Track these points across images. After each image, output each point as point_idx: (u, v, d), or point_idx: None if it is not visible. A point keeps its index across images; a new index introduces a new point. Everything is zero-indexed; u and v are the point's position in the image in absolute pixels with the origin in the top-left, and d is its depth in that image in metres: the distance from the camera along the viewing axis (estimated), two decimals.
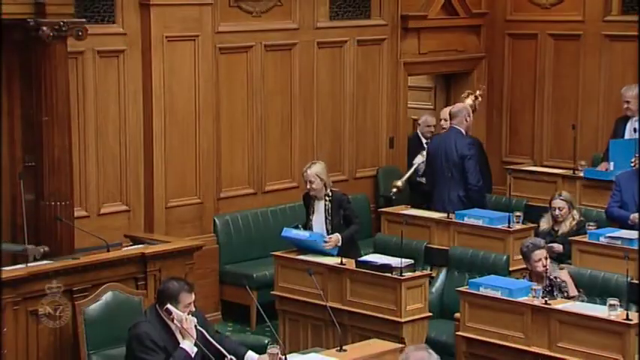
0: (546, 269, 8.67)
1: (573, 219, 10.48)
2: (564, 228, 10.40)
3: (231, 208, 11.35)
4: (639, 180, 10.10)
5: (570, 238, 10.02)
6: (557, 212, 10.45)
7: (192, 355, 7.51)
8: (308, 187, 10.14)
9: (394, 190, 11.96)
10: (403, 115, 13.42)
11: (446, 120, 11.85)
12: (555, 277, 8.75)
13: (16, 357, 8.31)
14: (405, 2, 13.11)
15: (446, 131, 11.94)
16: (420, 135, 12.93)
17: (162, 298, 7.71)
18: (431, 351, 5.57)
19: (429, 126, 12.86)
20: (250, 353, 7.69)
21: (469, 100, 12.09)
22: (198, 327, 7.58)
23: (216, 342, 7.68)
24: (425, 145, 12.37)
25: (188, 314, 7.62)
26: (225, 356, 7.58)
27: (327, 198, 10.10)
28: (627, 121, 11.86)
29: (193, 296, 7.73)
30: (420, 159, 12.21)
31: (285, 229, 9.95)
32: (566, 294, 8.69)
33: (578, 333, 7.98)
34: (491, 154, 13.18)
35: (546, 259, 8.71)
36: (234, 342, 7.93)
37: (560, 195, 10.62)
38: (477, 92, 12.33)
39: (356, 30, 12.80)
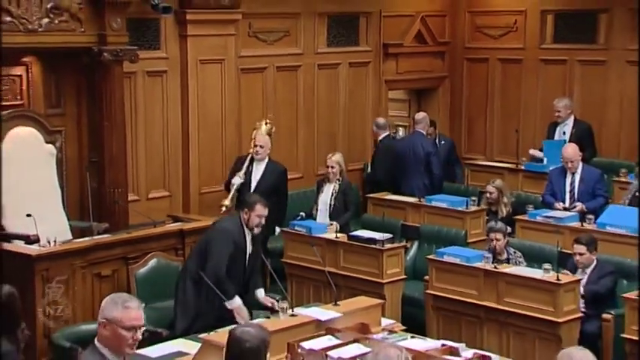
0: (496, 246, 8.63)
1: (505, 204, 10.35)
2: (501, 214, 10.27)
3: None
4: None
5: (514, 217, 10.05)
6: (488, 195, 10.41)
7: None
8: (329, 170, 10.23)
9: (223, 208, 10.04)
10: None
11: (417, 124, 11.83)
12: (514, 252, 8.77)
13: (84, 310, 8.35)
14: (386, 33, 13.10)
15: (411, 134, 12.00)
16: (250, 157, 10.41)
17: (242, 205, 8.00)
18: (402, 349, 4.55)
19: (255, 145, 10.30)
20: (261, 290, 8.03)
21: (266, 128, 10.63)
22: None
23: (257, 260, 8.08)
24: (244, 167, 10.26)
25: (257, 226, 7.84)
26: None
27: (337, 181, 10.17)
28: (557, 126, 11.89)
29: (266, 211, 7.90)
30: (237, 180, 10.13)
31: (291, 222, 9.94)
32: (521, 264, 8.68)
33: (520, 290, 8.01)
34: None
35: (498, 240, 8.66)
36: (259, 276, 8.18)
37: (493, 182, 10.53)
38: (267, 120, 10.84)
39: (348, 55, 12.79)
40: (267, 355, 4.65)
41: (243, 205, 8.01)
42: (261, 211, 7.83)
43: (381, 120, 11.95)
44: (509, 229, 9.15)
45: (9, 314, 5.77)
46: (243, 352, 4.57)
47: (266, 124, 10.50)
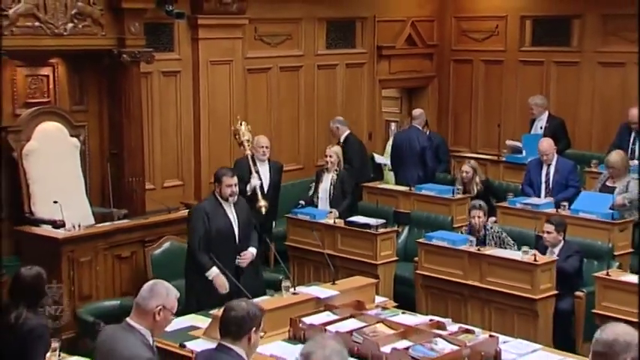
0: (477, 223, 8.66)
1: (477, 184, 10.44)
2: (473, 192, 10.38)
3: None
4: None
5: (496, 204, 10.02)
6: (464, 174, 10.49)
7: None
8: (327, 160, 10.17)
9: (263, 210, 9.56)
10: (378, 117, 13.43)
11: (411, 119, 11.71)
12: (491, 228, 8.79)
13: (106, 286, 8.44)
14: (380, 36, 13.11)
15: (408, 128, 11.96)
16: (250, 158, 9.87)
17: (214, 180, 7.87)
18: (343, 345, 3.89)
19: (262, 147, 10.03)
20: (251, 248, 7.88)
21: (246, 128, 9.89)
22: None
23: (249, 227, 7.90)
24: (253, 169, 9.79)
25: (231, 195, 7.69)
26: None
27: (335, 171, 10.16)
28: (534, 122, 11.96)
29: (235, 180, 7.78)
30: (256, 181, 9.70)
31: (294, 209, 9.88)
32: (503, 242, 8.67)
33: (501, 270, 8.04)
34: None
35: (479, 217, 8.69)
36: (254, 236, 8.01)
37: (469, 162, 10.65)
38: (240, 120, 10.05)
39: (344, 56, 12.80)
40: (254, 329, 4.54)
41: (214, 181, 7.94)
42: (228, 181, 7.73)
43: (341, 118, 11.83)
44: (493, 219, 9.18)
45: (36, 292, 5.83)
46: (228, 320, 4.54)
47: (243, 124, 9.97)
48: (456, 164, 12.48)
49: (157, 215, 9.21)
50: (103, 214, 9.16)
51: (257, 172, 9.84)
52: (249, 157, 9.83)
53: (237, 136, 9.92)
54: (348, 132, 11.52)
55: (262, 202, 9.52)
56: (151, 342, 4.75)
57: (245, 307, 4.56)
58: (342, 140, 11.39)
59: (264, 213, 9.43)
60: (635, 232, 9.35)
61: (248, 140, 9.83)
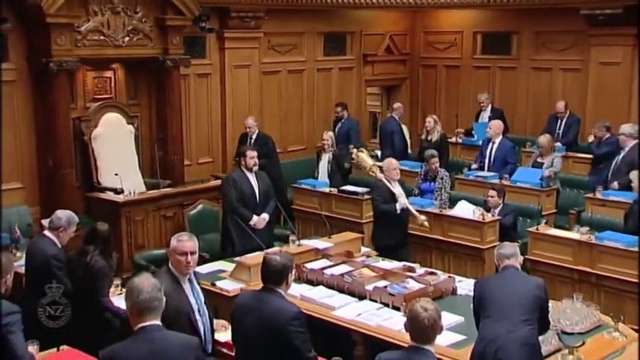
0: (434, 167, 8.93)
1: (438, 131, 10.65)
2: (435, 138, 10.57)
3: None
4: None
5: (455, 176, 9.91)
6: (427, 124, 10.73)
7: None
8: (324, 143, 10.09)
9: (426, 222, 7.71)
10: (364, 109, 13.38)
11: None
12: (444, 170, 8.87)
13: (154, 238, 8.52)
14: (365, 46, 13.05)
15: (388, 117, 11.94)
16: (385, 180, 7.85)
17: (237, 155, 7.89)
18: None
19: (394, 169, 7.91)
20: (264, 214, 7.75)
21: (366, 153, 8.49)
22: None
23: (269, 194, 7.78)
24: (394, 191, 7.75)
25: (254, 165, 7.66)
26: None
27: (331, 151, 10.12)
28: (481, 112, 12.06)
29: (255, 153, 7.77)
30: (403, 200, 7.76)
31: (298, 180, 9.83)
32: (445, 186, 8.88)
33: (459, 227, 8.12)
34: (413, 132, 13.11)
35: (434, 163, 8.91)
36: (271, 204, 7.89)
37: (431, 115, 10.95)
38: (357, 151, 8.52)
39: (338, 61, 12.75)
40: (290, 274, 4.55)
41: (238, 157, 7.92)
42: (251, 154, 7.73)
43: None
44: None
45: (106, 242, 5.96)
46: (269, 271, 4.52)
47: (363, 151, 8.46)
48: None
49: (193, 184, 9.29)
50: (152, 184, 9.21)
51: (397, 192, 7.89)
52: (384, 179, 7.85)
53: (360, 165, 8.43)
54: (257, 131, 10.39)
55: (422, 217, 7.71)
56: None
57: (280, 260, 4.51)
58: (254, 137, 10.25)
59: (428, 226, 7.79)
60: (557, 197, 9.46)
61: (373, 165, 8.14)
